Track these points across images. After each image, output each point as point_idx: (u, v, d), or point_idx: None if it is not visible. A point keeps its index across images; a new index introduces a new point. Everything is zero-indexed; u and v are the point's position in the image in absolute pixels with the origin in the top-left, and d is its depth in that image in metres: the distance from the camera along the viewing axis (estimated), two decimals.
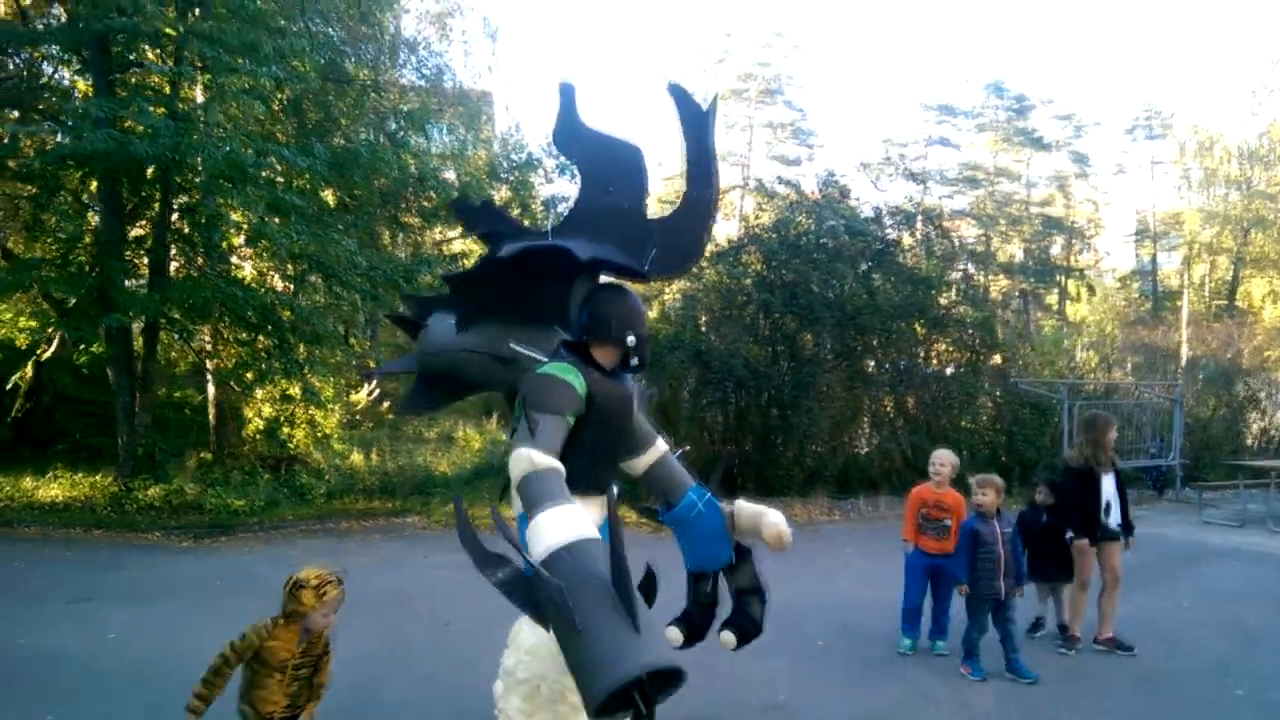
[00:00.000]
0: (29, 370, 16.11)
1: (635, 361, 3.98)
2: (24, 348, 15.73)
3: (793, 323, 13.54)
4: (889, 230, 14.25)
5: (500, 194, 26.05)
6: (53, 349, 16.34)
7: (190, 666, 5.75)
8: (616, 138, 4.07)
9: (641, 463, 4.15)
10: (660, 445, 4.23)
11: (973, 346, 15.28)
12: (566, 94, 3.96)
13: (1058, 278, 42.56)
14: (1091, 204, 45.41)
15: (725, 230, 19.46)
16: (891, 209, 14.58)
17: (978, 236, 38.79)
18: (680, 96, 3.78)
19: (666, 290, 14.83)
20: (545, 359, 3.84)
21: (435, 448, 17.35)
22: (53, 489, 13.47)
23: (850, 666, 5.74)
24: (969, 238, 40.09)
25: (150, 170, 11.92)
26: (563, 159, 15.78)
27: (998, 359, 15.71)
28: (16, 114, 12.60)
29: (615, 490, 3.69)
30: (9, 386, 13.96)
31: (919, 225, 14.59)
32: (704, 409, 13.65)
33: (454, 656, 5.91)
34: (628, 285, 4.42)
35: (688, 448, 4.60)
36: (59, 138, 12.63)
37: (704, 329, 13.62)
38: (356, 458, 14.81)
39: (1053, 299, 42.52)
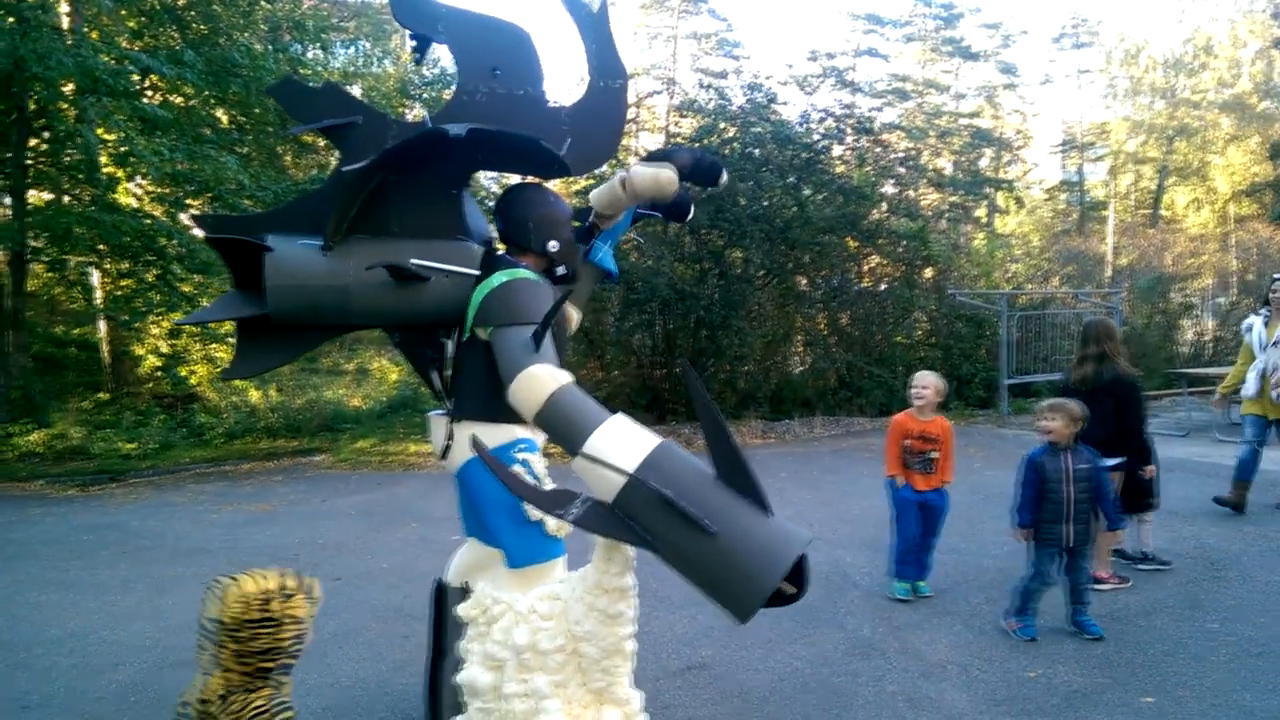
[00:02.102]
0: None
1: (561, 271, 3.55)
2: None
3: (720, 239, 12.83)
4: (818, 140, 13.50)
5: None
6: None
7: (28, 645, 5.09)
8: (490, 15, 3.52)
9: (575, 317, 3.88)
10: None
11: (907, 260, 14.80)
12: None
13: (987, 190, 42.58)
14: (1019, 115, 45.27)
15: (647, 143, 18.46)
16: (821, 114, 13.78)
17: (908, 149, 38.34)
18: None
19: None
20: (474, 272, 3.37)
21: (350, 380, 16.44)
22: None
23: (783, 616, 5.19)
24: (899, 151, 39.71)
25: None
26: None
27: (931, 272, 15.31)
28: None
29: (691, 368, 3.19)
30: None
31: (849, 134, 13.85)
32: (628, 332, 12.98)
33: (339, 621, 5.23)
34: (542, 183, 3.80)
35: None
36: None
37: (626, 248, 12.82)
38: (254, 394, 13.81)
39: (982, 212, 42.60)
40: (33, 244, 11.60)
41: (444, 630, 3.69)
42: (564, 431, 2.92)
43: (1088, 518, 4.75)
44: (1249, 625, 4.75)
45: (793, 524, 2.63)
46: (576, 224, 3.88)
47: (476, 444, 3.00)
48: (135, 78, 11.38)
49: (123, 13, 12.42)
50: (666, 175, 3.64)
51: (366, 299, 3.36)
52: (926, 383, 5.45)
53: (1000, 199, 42.54)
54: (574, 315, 3.87)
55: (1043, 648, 4.55)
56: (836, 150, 13.99)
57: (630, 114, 15.55)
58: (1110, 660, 4.35)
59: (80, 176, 11.60)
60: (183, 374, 14.75)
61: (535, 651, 3.17)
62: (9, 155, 11.76)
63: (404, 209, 3.40)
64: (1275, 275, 7.24)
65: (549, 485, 3.33)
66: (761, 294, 13.86)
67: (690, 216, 4.35)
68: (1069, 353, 14.65)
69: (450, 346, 3.64)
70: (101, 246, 11.92)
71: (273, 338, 3.47)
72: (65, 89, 9.97)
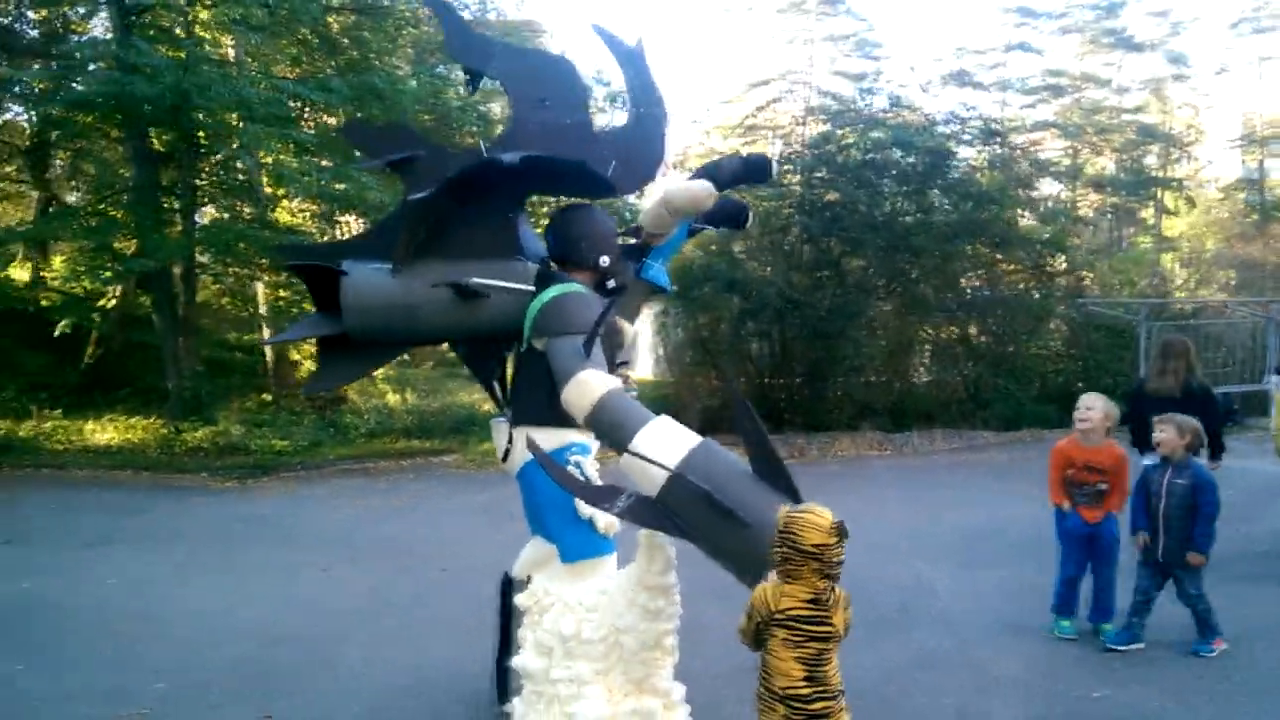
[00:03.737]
0: (97, 319, 16.49)
1: (612, 284, 3.83)
2: (81, 295, 16.05)
3: (837, 247, 12.72)
4: (946, 142, 13.13)
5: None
6: (114, 297, 16.70)
7: (169, 619, 5.75)
8: (538, 49, 3.83)
9: (628, 331, 4.05)
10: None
11: (1042, 267, 14.18)
12: (437, 5, 3.89)
13: (1154, 190, 39.75)
14: (1191, 109, 41.93)
15: (765, 151, 18.40)
16: (946, 117, 13.42)
17: (1064, 149, 36.49)
18: (606, 36, 3.87)
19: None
20: (530, 289, 3.65)
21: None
22: (107, 432, 13.80)
23: (857, 624, 5.20)
24: (1054, 150, 37.74)
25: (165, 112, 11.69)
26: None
27: (1070, 280, 14.60)
28: (38, 63, 12.53)
29: (734, 383, 3.51)
30: (56, 334, 14.20)
31: (977, 137, 13.41)
32: (742, 341, 13.05)
33: (431, 610, 5.65)
34: (590, 203, 4.11)
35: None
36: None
37: (741, 256, 12.92)
38: (391, 397, 14.72)
39: (1148, 214, 39.82)
40: (200, 258, 12.85)
41: (510, 619, 3.97)
42: (612, 431, 3.17)
43: (1182, 535, 4.56)
44: None
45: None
46: (631, 240, 4.13)
47: (531, 444, 3.28)
48: (292, 103, 12.47)
49: (282, 43, 13.60)
50: (701, 189, 3.82)
51: (433, 316, 3.70)
52: (1091, 404, 4.92)
53: (1168, 199, 39.71)
54: (627, 328, 4.09)
55: (1122, 669, 4.40)
56: (964, 154, 13.60)
57: (758, 119, 15.60)
58: (1188, 686, 4.16)
59: (241, 197, 12.77)
60: None
61: (579, 640, 3.42)
62: (180, 179, 13.13)
63: (465, 232, 3.71)
64: None
65: (598, 483, 3.57)
66: (883, 303, 13.65)
67: (748, 223, 4.55)
68: (1221, 365, 13.70)
69: (510, 359, 3.95)
70: (261, 260, 13.10)
71: (351, 353, 3.87)
72: (227, 118, 11.03)
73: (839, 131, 12.88)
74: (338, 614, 5.64)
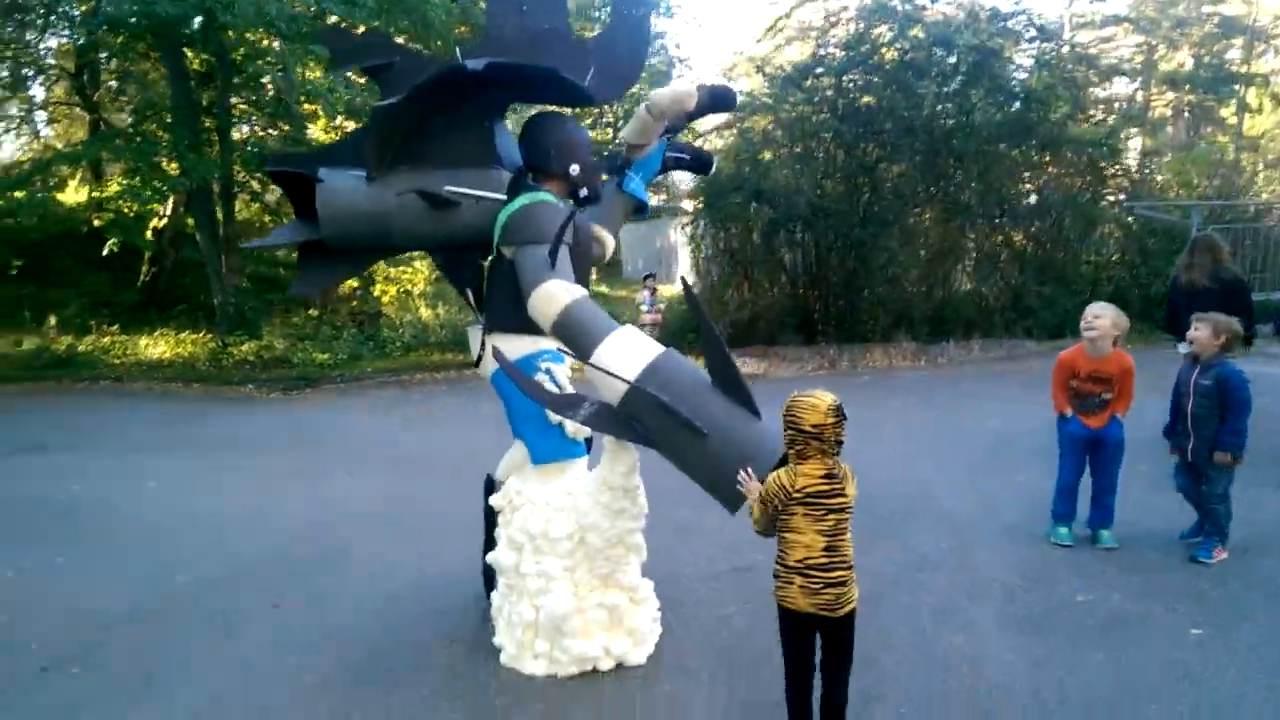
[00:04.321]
0: (149, 238, 16.94)
1: (584, 194, 3.84)
2: (131, 216, 16.47)
3: (873, 152, 12.31)
4: (991, 40, 12.47)
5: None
6: (164, 217, 17.12)
7: (201, 517, 6.05)
8: None
9: (608, 243, 4.10)
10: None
11: (1094, 170, 13.57)
12: None
13: (1236, 87, 37.37)
14: None
15: (793, 54, 17.72)
16: (990, 12, 12.69)
17: (1138, 45, 34.45)
18: None
19: (727, 127, 13.77)
20: (501, 197, 3.70)
21: None
22: (160, 347, 14.31)
23: (860, 526, 5.19)
24: (1128, 47, 35.72)
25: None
26: None
27: (1124, 183, 13.97)
28: None
29: (691, 288, 3.60)
30: (105, 253, 14.66)
31: (1026, 33, 12.70)
32: (774, 251, 12.84)
33: (441, 512, 5.84)
34: (565, 111, 4.09)
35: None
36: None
37: (773, 164, 12.58)
38: (426, 313, 14.94)
39: (1228, 112, 37.55)
40: (238, 177, 13.03)
41: (493, 519, 4.10)
42: (576, 342, 3.24)
43: (1209, 435, 4.51)
44: None
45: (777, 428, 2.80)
46: (604, 153, 4.11)
47: (497, 354, 3.35)
48: (319, 20, 12.37)
49: None
50: (683, 89, 3.78)
51: (406, 224, 3.75)
52: (1099, 313, 4.70)
53: (1252, 96, 37.34)
54: (607, 239, 4.08)
55: (1114, 574, 4.36)
56: (1010, 53, 12.90)
57: (781, 24, 15.01)
58: (1178, 590, 4.13)
59: (276, 115, 12.83)
60: (375, 293, 16.21)
61: (547, 538, 3.54)
62: (216, 98, 13.22)
63: (441, 140, 3.74)
64: None
65: (569, 390, 3.62)
66: (922, 210, 13.25)
67: (712, 169, 4.73)
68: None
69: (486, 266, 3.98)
70: None
71: (329, 258, 3.93)
72: (254, 36, 11.02)
73: (875, 30, 12.29)
74: (355, 515, 5.87)
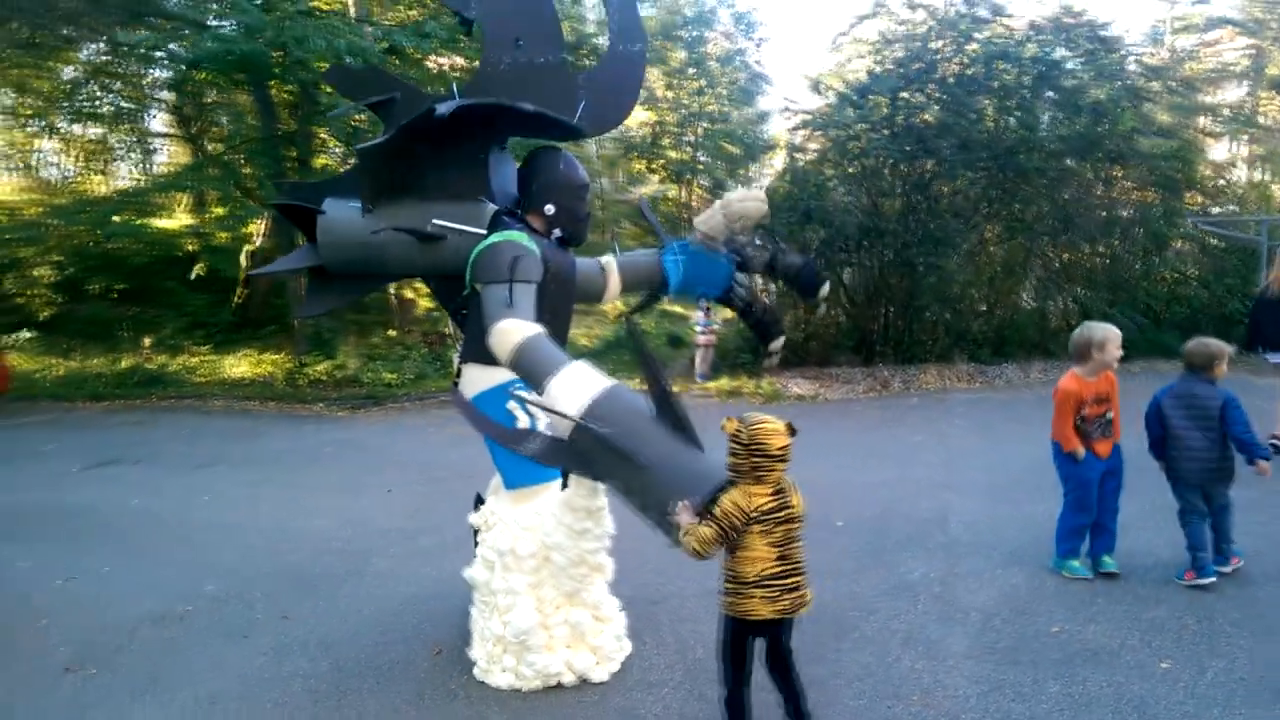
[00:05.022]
0: (244, 262, 17.95)
1: (557, 234, 3.95)
2: (226, 242, 17.48)
3: (931, 169, 12.17)
4: (1050, 50, 12.16)
5: (675, 55, 25.26)
6: (260, 238, 18.13)
7: (241, 530, 6.43)
8: None
9: (613, 285, 4.26)
10: (609, 258, 4.35)
11: (1167, 184, 13.07)
12: None
13: None
14: None
15: (855, 70, 17.61)
16: (1051, 23, 12.37)
17: (1245, 48, 32.88)
18: None
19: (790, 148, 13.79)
20: (481, 232, 3.81)
21: (589, 319, 17.69)
22: (242, 366, 15.16)
23: (850, 551, 5.26)
24: (1234, 51, 34.17)
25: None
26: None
27: (1199, 198, 13.41)
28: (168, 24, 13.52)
29: (635, 322, 3.77)
30: (192, 276, 15.61)
31: (1083, 45, 12.34)
32: (831, 270, 12.76)
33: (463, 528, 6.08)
34: (564, 150, 4.23)
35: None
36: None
37: (832, 184, 12.56)
38: None
39: None
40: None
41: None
42: (529, 377, 3.39)
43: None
44: None
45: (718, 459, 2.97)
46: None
47: (456, 388, 3.57)
48: (394, 51, 12.97)
49: None
50: (756, 201, 3.94)
51: (399, 254, 3.98)
52: (1117, 336, 4.65)
53: None
54: (613, 282, 4.27)
55: (1101, 604, 4.27)
56: (1072, 66, 12.58)
57: (840, 41, 14.96)
58: (1160, 623, 4.02)
59: (348, 142, 13.49)
60: (438, 314, 16.78)
61: (514, 555, 3.72)
62: (299, 128, 14.00)
63: (433, 174, 3.92)
64: None
65: (543, 420, 3.78)
66: (982, 227, 13.00)
67: (823, 294, 4.64)
68: None
69: None
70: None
71: (334, 283, 4.21)
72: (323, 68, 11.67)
73: (933, 45, 12.15)
74: (382, 530, 6.18)
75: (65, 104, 15.36)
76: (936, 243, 11.86)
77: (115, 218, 14.42)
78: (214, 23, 12.87)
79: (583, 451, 3.10)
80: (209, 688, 3.83)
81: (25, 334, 16.48)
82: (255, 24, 10.60)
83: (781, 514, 2.86)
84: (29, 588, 5.22)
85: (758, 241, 4.11)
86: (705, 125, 27.82)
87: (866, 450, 8.25)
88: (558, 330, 3.70)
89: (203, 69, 12.53)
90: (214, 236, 17.25)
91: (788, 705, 3.06)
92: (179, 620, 4.65)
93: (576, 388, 3.17)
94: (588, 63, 13.17)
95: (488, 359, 3.77)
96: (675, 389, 3.22)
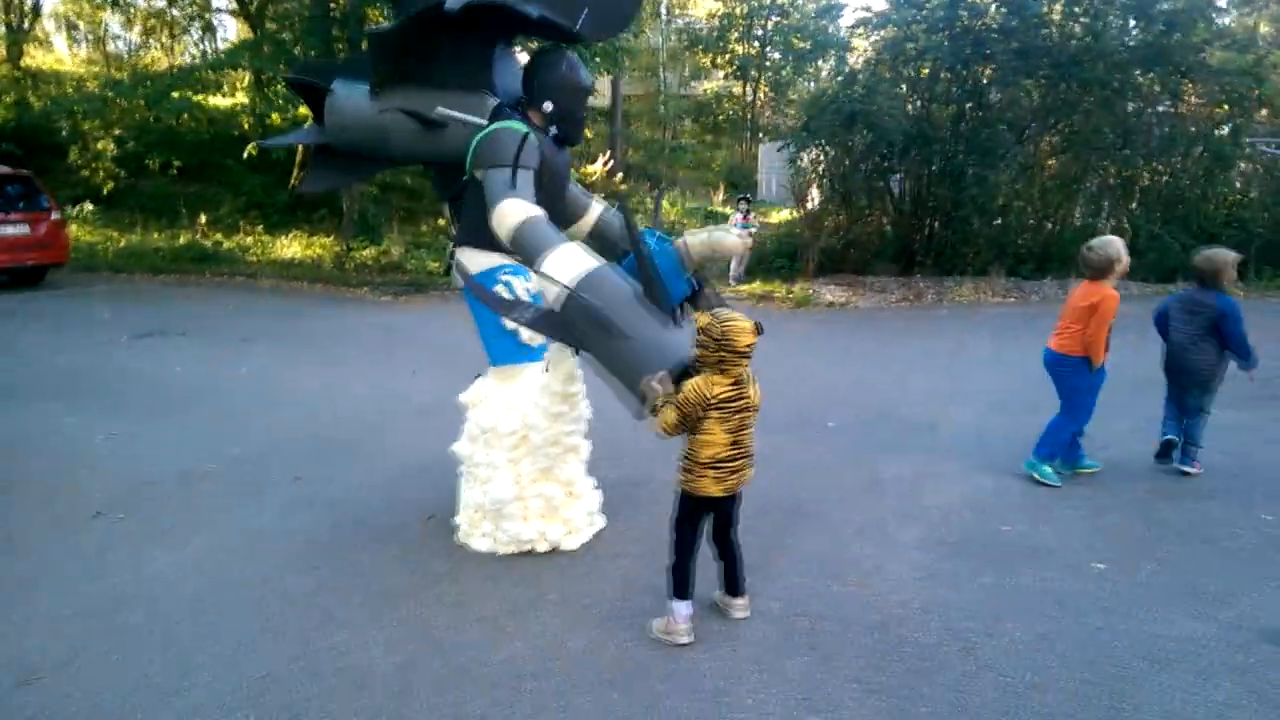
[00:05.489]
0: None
1: (554, 132, 4.08)
2: (279, 124, 17.71)
3: (989, 75, 11.75)
4: None
5: None
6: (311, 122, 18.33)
7: (272, 401, 6.85)
8: None
9: (584, 224, 4.41)
10: (597, 205, 4.45)
11: (1236, 102, 12.44)
12: None
13: None
14: None
15: None
16: None
17: None
18: None
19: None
20: (483, 122, 3.97)
21: (638, 217, 17.69)
22: (293, 248, 15.62)
23: (834, 448, 5.43)
24: None
25: None
26: None
27: (1268, 118, 12.76)
28: None
29: (628, 206, 3.94)
30: (245, 156, 15.89)
31: None
32: (876, 177, 12.59)
33: None
34: (569, 52, 4.25)
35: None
36: None
37: (885, 83, 12.19)
38: None
39: None
40: None
41: None
42: (527, 254, 3.60)
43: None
44: None
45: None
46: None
47: (458, 266, 3.78)
48: None
49: None
50: (742, 236, 3.88)
51: (402, 139, 4.17)
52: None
53: None
54: (587, 220, 4.39)
55: (1057, 509, 4.45)
56: None
57: None
58: (1108, 530, 4.18)
59: None
60: None
61: (495, 432, 4.00)
62: (348, 8, 13.97)
63: (440, 64, 4.07)
64: None
65: (526, 301, 4.00)
66: (1038, 139, 12.60)
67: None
68: None
69: None
70: None
71: (339, 163, 4.43)
72: None
73: None
74: (398, 409, 6.54)
75: None
76: (985, 153, 11.57)
77: (174, 94, 14.70)
78: None
79: (569, 321, 3.33)
80: (218, 538, 4.22)
81: (88, 206, 17.11)
82: None
83: (738, 403, 3.08)
84: (73, 441, 5.70)
85: (708, 291, 4.14)
86: (775, 19, 26.84)
87: (880, 358, 8.35)
88: (553, 222, 3.81)
89: None
90: (269, 116, 17.52)
91: (726, 569, 3.35)
92: (202, 477, 5.07)
93: (570, 263, 3.36)
94: None
95: (481, 243, 3.98)
96: (657, 270, 3.36)
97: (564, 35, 4.14)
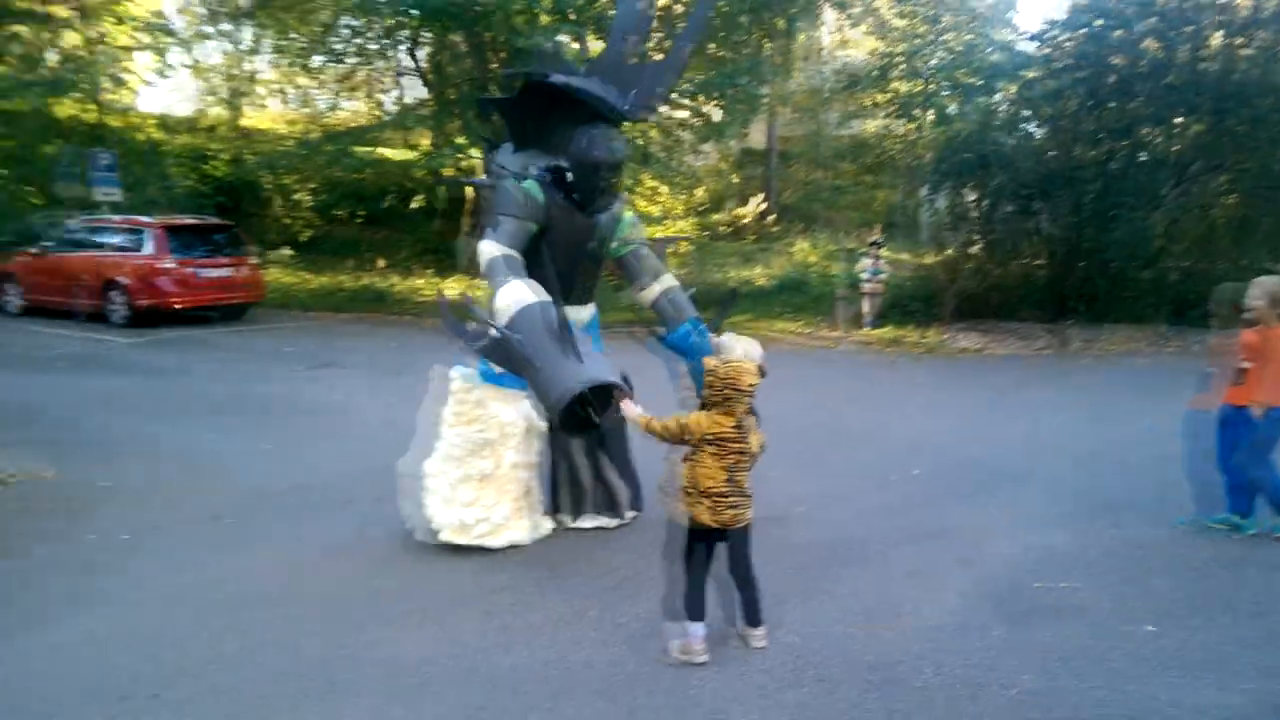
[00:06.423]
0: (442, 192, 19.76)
1: (575, 196, 4.59)
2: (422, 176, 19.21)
3: (1139, 111, 11.18)
4: None
5: None
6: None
7: (383, 429, 7.25)
8: None
9: (648, 294, 4.84)
10: (667, 280, 4.86)
11: None
12: None
13: None
14: None
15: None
16: None
17: None
18: None
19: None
20: (515, 175, 4.63)
21: (770, 258, 17.97)
22: (455, 289, 16.81)
23: (911, 496, 5.44)
24: None
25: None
26: None
27: None
28: None
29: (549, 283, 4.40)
30: (412, 206, 17.23)
31: None
32: (1022, 219, 12.16)
33: None
34: (595, 130, 4.54)
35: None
36: None
37: (1025, 123, 11.86)
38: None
39: None
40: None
41: None
42: (490, 287, 4.23)
43: None
44: None
45: (601, 369, 3.75)
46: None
47: (440, 295, 4.46)
48: None
49: None
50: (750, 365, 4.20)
51: None
52: None
53: None
54: (647, 295, 4.82)
55: (1095, 570, 4.35)
56: None
57: None
58: (1158, 592, 4.07)
59: None
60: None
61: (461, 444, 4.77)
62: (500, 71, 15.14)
63: (553, 132, 4.67)
64: None
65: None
66: (1203, 179, 11.78)
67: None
68: None
69: None
70: None
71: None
72: (515, 17, 12.61)
73: None
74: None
75: (320, 43, 17.26)
76: (1138, 194, 10.97)
77: (356, 149, 16.32)
78: None
79: (506, 351, 3.88)
80: (300, 546, 4.80)
81: (287, 251, 19.17)
82: None
83: (736, 445, 3.37)
84: (219, 455, 6.57)
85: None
86: (941, 54, 26.04)
87: (990, 406, 8.24)
88: (565, 276, 4.43)
89: (410, 15, 13.93)
90: (443, 166, 19.07)
91: (744, 600, 3.56)
92: (301, 490, 5.72)
93: (508, 300, 3.97)
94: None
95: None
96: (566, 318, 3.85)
97: (608, 114, 4.57)
